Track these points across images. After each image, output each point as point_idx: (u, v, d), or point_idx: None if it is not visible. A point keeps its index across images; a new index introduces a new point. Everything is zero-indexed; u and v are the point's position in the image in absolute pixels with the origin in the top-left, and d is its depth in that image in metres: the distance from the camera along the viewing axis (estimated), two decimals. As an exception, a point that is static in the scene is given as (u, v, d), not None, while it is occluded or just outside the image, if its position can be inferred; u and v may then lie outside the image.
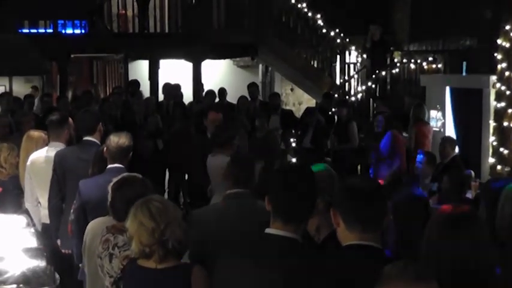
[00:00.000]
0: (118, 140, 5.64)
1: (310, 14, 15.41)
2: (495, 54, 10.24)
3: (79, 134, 7.16)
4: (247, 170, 4.71)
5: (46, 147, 6.99)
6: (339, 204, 3.03)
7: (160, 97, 13.79)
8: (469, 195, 8.05)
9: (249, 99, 12.93)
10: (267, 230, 3.29)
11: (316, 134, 11.96)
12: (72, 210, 5.80)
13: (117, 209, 4.36)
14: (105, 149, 5.72)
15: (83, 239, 5.02)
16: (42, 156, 6.88)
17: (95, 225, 4.79)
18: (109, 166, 5.64)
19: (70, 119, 7.12)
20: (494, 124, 10.16)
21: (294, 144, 12.02)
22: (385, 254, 3.03)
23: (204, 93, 13.44)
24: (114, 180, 4.57)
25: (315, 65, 15.77)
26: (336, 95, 14.70)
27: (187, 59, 15.42)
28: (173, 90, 13.24)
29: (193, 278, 3.73)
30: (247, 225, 4.20)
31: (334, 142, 11.82)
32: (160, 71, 15.29)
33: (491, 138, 10.19)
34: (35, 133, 7.43)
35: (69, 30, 14.64)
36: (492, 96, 10.22)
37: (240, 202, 4.60)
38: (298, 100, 18.22)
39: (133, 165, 5.73)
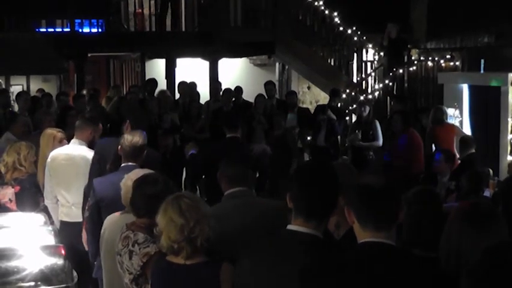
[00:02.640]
0: (132, 138, 5.68)
1: (327, 12, 15.37)
2: (513, 52, 10.19)
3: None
4: (240, 169, 4.67)
5: (67, 145, 7.03)
6: (351, 202, 3.04)
7: (177, 96, 13.80)
8: (487, 193, 8.00)
9: (266, 97, 12.92)
10: (289, 227, 3.30)
11: (329, 132, 11.92)
12: (86, 208, 5.83)
13: (137, 206, 4.37)
14: (119, 147, 5.76)
15: (97, 236, 5.06)
16: (62, 153, 6.91)
17: (111, 222, 4.80)
18: (123, 164, 5.68)
19: (100, 125, 7.19)
20: (513, 122, 10.11)
21: (310, 143, 12.00)
22: (398, 251, 3.01)
23: (221, 91, 13.46)
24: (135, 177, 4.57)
25: (332, 63, 15.74)
26: (353, 93, 14.67)
27: (204, 57, 15.43)
28: (188, 88, 13.25)
29: (222, 274, 3.72)
30: (253, 222, 4.31)
31: (356, 140, 11.66)
32: (177, 70, 15.30)
33: (510, 136, 10.14)
34: (51, 131, 7.47)
35: (86, 29, 14.69)
36: (510, 94, 10.16)
37: (241, 201, 4.56)
38: (315, 98, 18.18)
39: (146, 164, 5.74)
